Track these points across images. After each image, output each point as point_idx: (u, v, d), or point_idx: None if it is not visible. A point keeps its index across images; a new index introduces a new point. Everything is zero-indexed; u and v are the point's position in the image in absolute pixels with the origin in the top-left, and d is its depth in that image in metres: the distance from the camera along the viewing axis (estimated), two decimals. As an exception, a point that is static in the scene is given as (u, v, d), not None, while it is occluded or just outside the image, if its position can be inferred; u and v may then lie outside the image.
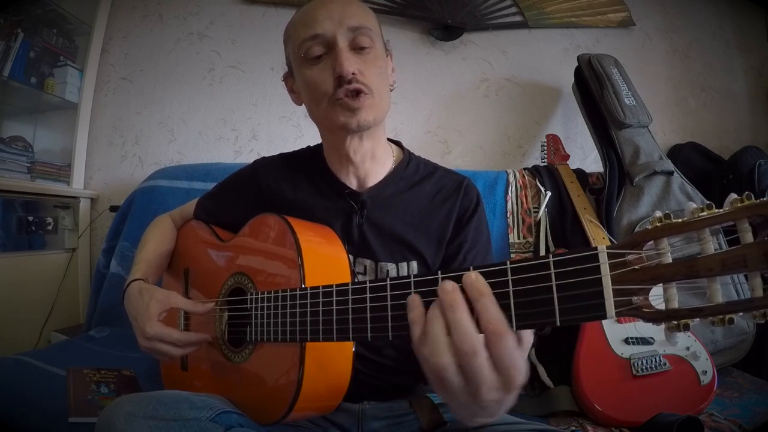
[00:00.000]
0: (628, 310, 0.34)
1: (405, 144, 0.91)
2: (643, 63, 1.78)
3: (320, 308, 0.55)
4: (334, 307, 0.53)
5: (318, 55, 0.72)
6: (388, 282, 0.48)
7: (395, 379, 0.81)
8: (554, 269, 0.37)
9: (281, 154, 0.93)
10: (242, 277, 0.75)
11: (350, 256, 0.78)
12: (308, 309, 0.57)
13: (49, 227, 1.67)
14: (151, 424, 0.54)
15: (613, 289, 0.34)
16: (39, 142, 1.83)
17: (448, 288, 0.41)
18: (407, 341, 0.43)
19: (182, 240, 0.96)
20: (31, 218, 1.60)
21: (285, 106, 1.84)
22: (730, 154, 1.55)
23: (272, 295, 0.64)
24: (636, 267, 0.34)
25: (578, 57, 1.63)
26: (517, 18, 1.81)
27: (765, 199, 0.30)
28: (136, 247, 0.94)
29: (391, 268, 0.79)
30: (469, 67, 1.85)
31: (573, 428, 0.97)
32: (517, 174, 1.52)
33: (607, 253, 0.35)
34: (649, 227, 0.34)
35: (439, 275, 0.44)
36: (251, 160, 0.94)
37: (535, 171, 1.54)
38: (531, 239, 1.44)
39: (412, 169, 0.86)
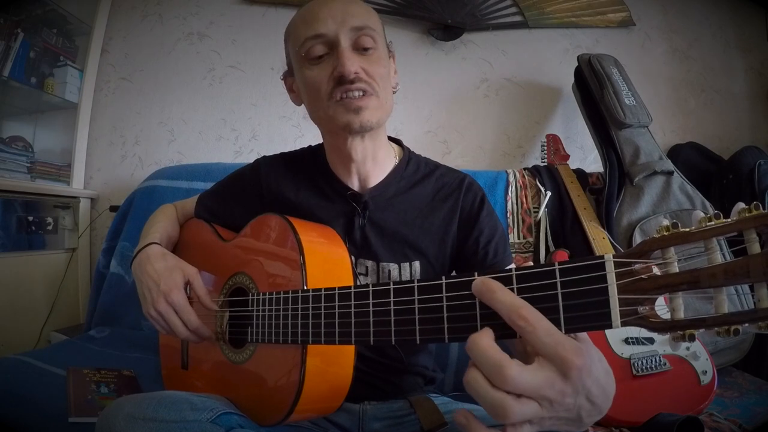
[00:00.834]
0: (634, 320, 0.33)
1: (405, 144, 0.90)
2: (643, 63, 1.78)
3: (322, 311, 0.55)
4: (337, 311, 0.53)
5: (320, 54, 0.71)
6: (392, 287, 0.47)
7: (396, 380, 0.81)
8: (560, 278, 0.37)
9: (282, 154, 0.92)
10: (244, 277, 0.75)
11: (352, 257, 0.77)
12: (310, 312, 0.57)
13: (49, 227, 1.67)
14: (152, 426, 0.54)
15: (619, 299, 0.34)
16: (39, 142, 1.82)
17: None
18: (409, 344, 0.43)
19: (184, 237, 0.96)
20: (31, 218, 1.59)
21: (285, 106, 1.84)
22: (730, 154, 1.55)
23: (274, 296, 0.64)
24: (643, 276, 0.33)
25: (578, 57, 1.63)
26: (517, 18, 1.80)
27: (773, 210, 0.30)
28: (135, 247, 0.93)
29: (393, 269, 0.79)
30: (469, 67, 1.84)
31: (573, 428, 0.97)
32: (517, 174, 1.52)
33: (614, 261, 0.35)
34: (656, 236, 0.33)
35: (443, 280, 0.43)
36: (251, 160, 0.93)
37: (535, 171, 1.54)
38: (531, 239, 1.44)
39: (412, 168, 0.85)
